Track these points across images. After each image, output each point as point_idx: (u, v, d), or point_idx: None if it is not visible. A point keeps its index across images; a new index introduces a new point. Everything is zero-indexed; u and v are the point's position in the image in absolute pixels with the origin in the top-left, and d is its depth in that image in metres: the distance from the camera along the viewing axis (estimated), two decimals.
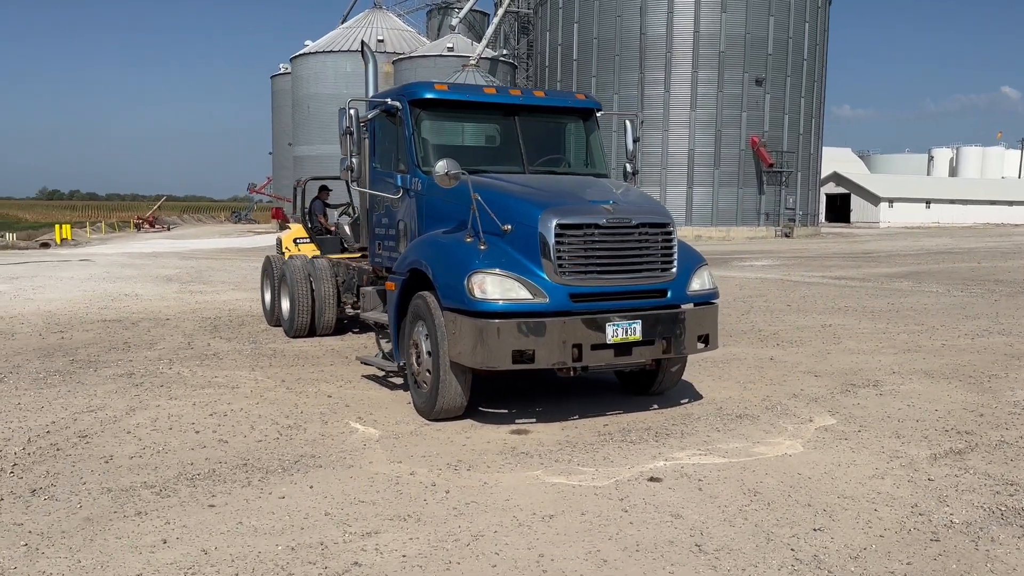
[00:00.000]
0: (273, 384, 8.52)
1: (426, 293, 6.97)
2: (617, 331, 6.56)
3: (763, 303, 15.60)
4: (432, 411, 6.95)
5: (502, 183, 7.17)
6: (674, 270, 6.95)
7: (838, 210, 77.77)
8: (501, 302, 6.35)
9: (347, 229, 16.65)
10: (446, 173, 6.60)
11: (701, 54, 43.56)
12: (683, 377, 8.64)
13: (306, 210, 15.75)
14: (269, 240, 29.43)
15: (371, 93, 9.04)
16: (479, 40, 55.00)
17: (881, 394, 8.11)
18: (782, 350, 10.55)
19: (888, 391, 8.24)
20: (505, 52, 52.37)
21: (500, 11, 49.32)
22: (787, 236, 45.49)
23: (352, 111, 7.59)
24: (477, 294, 6.36)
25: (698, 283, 7.13)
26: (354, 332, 12.11)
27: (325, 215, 16.80)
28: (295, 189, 14.76)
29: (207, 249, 35.32)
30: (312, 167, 46.28)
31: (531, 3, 52.11)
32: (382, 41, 55.30)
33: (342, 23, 63.18)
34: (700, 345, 7.07)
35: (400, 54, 52.62)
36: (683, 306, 6.99)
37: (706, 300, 7.20)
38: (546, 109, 8.22)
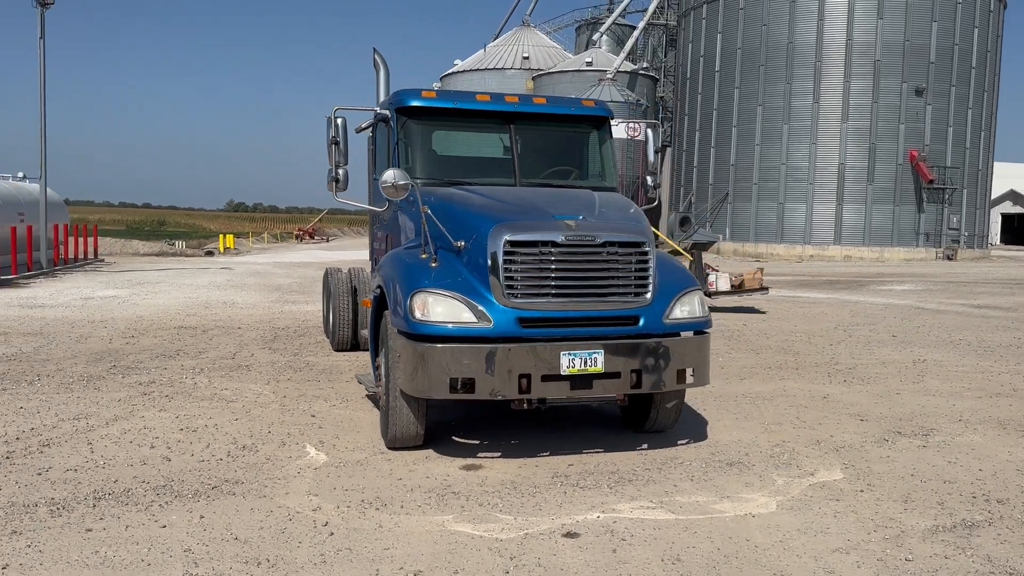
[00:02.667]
0: (271, 400, 8.34)
1: (388, 312, 6.54)
2: (574, 361, 5.87)
3: (865, 332, 14.12)
4: (387, 438, 6.50)
5: (467, 196, 6.65)
6: (648, 295, 6.16)
7: (1016, 232, 71.03)
8: (439, 325, 5.82)
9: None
10: (392, 184, 6.15)
11: (854, 63, 40.91)
12: (702, 414, 7.83)
13: None
14: None
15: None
16: (628, 54, 54.32)
17: (925, 446, 6.94)
18: (845, 387, 9.36)
19: (936, 443, 7.04)
20: (646, 65, 51.36)
21: (641, 24, 48.46)
22: (949, 259, 41.80)
23: (339, 120, 7.29)
24: (417, 315, 5.87)
25: (682, 310, 6.30)
26: None
27: None
28: None
29: (348, 260, 36.46)
30: None
31: (676, 15, 50.89)
32: (527, 58, 55.65)
33: (494, 40, 64.13)
34: (682, 381, 6.22)
35: (544, 71, 52.70)
36: (661, 336, 6.18)
37: (691, 330, 6.36)
38: (547, 117, 7.60)
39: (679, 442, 6.93)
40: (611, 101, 43.87)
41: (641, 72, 49.79)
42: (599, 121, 7.77)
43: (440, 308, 5.85)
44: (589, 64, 47.61)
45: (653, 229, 18.49)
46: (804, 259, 40.93)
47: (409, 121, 7.32)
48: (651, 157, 7.98)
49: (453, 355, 5.75)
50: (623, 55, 47.30)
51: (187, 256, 41.41)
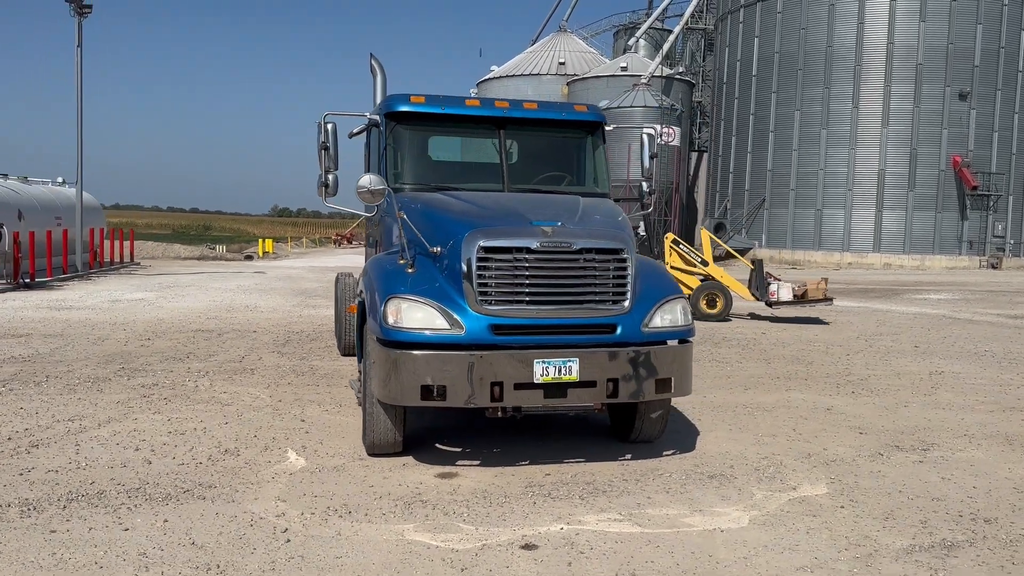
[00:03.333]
0: (266, 404, 8.37)
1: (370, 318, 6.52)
2: (547, 369, 5.78)
3: (887, 343, 13.78)
4: (366, 445, 6.47)
5: (447, 201, 6.60)
6: (627, 303, 6.05)
7: None
8: (411, 331, 5.77)
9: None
10: (368, 189, 6.12)
11: (895, 67, 40.16)
12: (695, 424, 7.69)
13: None
14: None
15: None
16: (667, 59, 53.95)
17: (921, 461, 6.72)
18: (852, 399, 9.13)
19: (933, 458, 6.81)
20: (682, 70, 50.95)
21: (677, 28, 48.13)
22: (993, 267, 40.76)
23: (329, 126, 7.27)
24: (390, 321, 5.83)
25: (663, 318, 6.17)
26: None
27: None
28: None
29: None
30: None
31: (714, 19, 50.43)
32: (563, 64, 55.60)
33: (531, 46, 64.19)
34: (662, 390, 6.09)
35: (579, 76, 52.57)
36: (639, 344, 6.05)
37: (672, 338, 6.22)
38: (538, 122, 7.52)
39: (664, 453, 6.80)
40: (644, 106, 43.69)
41: (677, 77, 49.40)
42: (592, 126, 7.67)
43: (413, 314, 5.80)
44: (624, 69, 47.39)
45: (711, 236, 18.06)
46: (842, 267, 40.22)
47: (398, 126, 7.30)
48: (646, 163, 7.85)
49: (425, 362, 5.70)
50: (658, 60, 46.99)
51: (227, 260, 42.19)
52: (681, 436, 7.32)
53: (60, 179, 27.50)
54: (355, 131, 7.96)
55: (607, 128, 7.84)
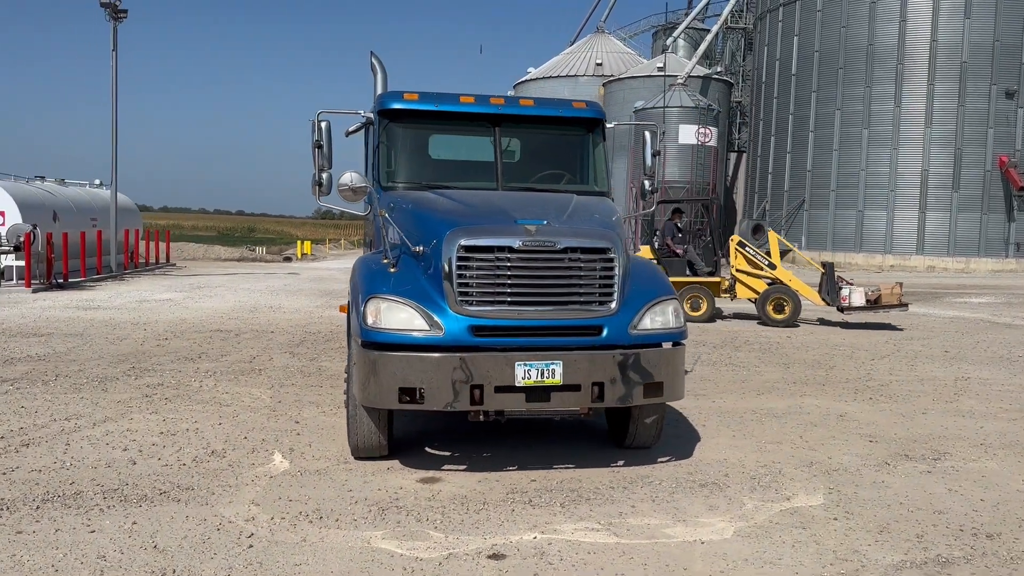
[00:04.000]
0: (265, 404, 8.31)
1: None
2: (529, 372, 5.59)
3: (916, 347, 13.34)
4: (351, 448, 6.36)
5: (434, 199, 6.45)
6: (613, 304, 5.83)
7: None
8: (390, 332, 5.64)
9: (698, 252, 16.60)
10: (349, 187, 5.99)
11: (939, 65, 39.12)
12: (698, 430, 7.48)
13: (656, 232, 16.34)
14: None
15: None
16: (706, 59, 53.31)
17: (929, 471, 6.41)
18: (869, 405, 8.79)
19: (944, 468, 6.50)
20: (719, 70, 50.26)
21: (715, 28, 47.51)
22: None
23: (322, 124, 7.17)
24: (370, 322, 5.70)
25: (653, 320, 5.94)
26: None
27: (674, 238, 17.10)
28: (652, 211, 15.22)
29: None
30: None
31: (753, 18, 49.72)
32: (600, 65, 55.21)
33: (570, 46, 63.88)
34: (651, 395, 5.87)
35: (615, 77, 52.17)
36: (627, 347, 5.84)
37: (662, 341, 5.99)
38: (535, 119, 7.34)
39: (659, 460, 6.57)
40: (680, 106, 43.18)
41: (715, 77, 48.72)
42: (591, 123, 7.46)
43: (393, 315, 5.67)
44: (660, 69, 46.84)
45: (777, 236, 17.48)
46: (884, 269, 39.30)
47: (391, 124, 7.17)
48: (648, 160, 7.61)
49: (402, 364, 5.56)
50: (695, 59, 46.40)
51: (265, 261, 42.67)
52: (681, 442, 7.09)
53: (97, 181, 27.97)
54: (351, 129, 7.86)
55: (608, 126, 7.63)
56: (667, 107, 43.64)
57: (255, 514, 5.24)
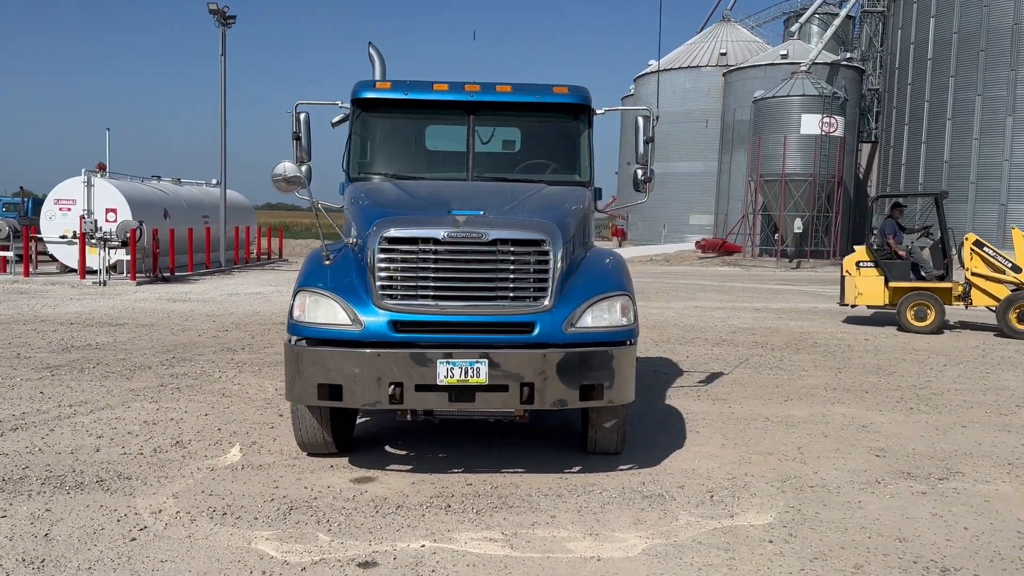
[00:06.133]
0: (265, 397, 8.38)
1: None
2: (452, 371, 5.30)
3: (1007, 353, 12.07)
4: (297, 444, 6.25)
5: (381, 190, 6.25)
6: (547, 300, 5.44)
7: None
8: (312, 326, 5.48)
9: (925, 253, 14.83)
10: (283, 177, 5.86)
11: None
12: (690, 435, 6.98)
13: (874, 229, 14.87)
14: None
15: None
16: (842, 45, 50.66)
17: (924, 492, 5.68)
18: (906, 416, 7.96)
19: (943, 489, 5.74)
20: (849, 56, 47.51)
21: (843, 12, 44.92)
22: None
23: (301, 115, 7.11)
24: (296, 315, 5.57)
25: (596, 318, 5.50)
26: None
27: (895, 236, 15.08)
28: (869, 206, 14.19)
29: None
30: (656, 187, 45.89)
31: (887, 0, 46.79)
32: (724, 54, 53.37)
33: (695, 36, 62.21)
34: (589, 397, 5.44)
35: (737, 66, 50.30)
36: (560, 346, 5.42)
37: (604, 340, 5.53)
38: (512, 106, 6.99)
39: (620, 467, 6.12)
40: (803, 95, 41.16)
41: (843, 63, 46.08)
42: (575, 109, 7.04)
43: (317, 309, 5.51)
44: (784, 57, 44.75)
45: (972, 237, 15.13)
46: None
47: (363, 113, 7.01)
48: (640, 148, 7.12)
49: (320, 359, 5.39)
50: (820, 46, 43.98)
51: None
52: (658, 449, 6.60)
53: (213, 180, 29.35)
54: (336, 120, 7.76)
55: (597, 113, 7.20)
56: (788, 96, 41.64)
57: (166, 507, 5.20)
